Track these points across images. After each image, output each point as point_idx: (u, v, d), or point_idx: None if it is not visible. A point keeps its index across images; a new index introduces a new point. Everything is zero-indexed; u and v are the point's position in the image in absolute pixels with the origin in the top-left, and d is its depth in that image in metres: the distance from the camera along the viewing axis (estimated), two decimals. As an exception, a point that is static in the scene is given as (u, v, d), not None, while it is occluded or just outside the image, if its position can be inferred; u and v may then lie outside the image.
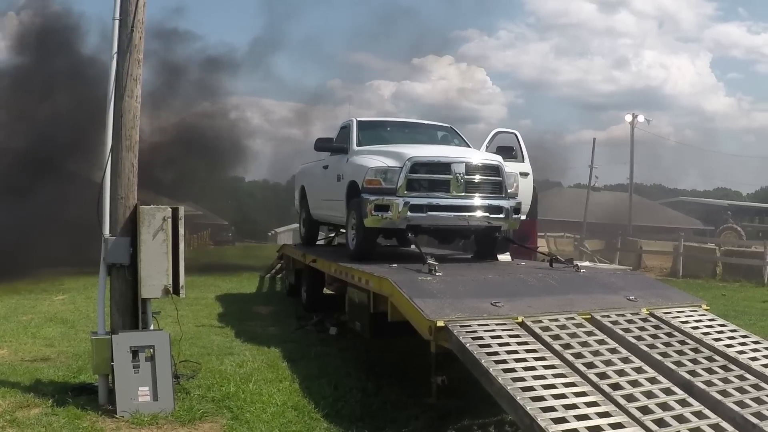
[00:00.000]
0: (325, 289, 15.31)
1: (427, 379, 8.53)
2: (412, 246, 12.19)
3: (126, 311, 8.85)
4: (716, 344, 8.26)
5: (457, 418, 8.14)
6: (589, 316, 8.62)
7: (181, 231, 8.83)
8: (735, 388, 7.17)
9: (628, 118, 60.15)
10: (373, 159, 11.70)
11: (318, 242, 17.75)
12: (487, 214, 11.43)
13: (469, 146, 13.58)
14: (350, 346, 11.92)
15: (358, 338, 11.73)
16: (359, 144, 12.98)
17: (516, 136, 15.36)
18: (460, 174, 11.22)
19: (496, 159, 11.97)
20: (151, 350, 8.44)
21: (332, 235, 18.48)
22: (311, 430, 7.83)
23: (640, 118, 60.65)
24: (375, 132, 13.73)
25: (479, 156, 12.05)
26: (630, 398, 6.70)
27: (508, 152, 13.78)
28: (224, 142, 52.78)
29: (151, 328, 8.91)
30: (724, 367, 7.66)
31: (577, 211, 61.59)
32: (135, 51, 8.86)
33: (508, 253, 14.09)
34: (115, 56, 8.82)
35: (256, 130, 55.66)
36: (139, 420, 7.94)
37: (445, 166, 11.30)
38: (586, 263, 15.78)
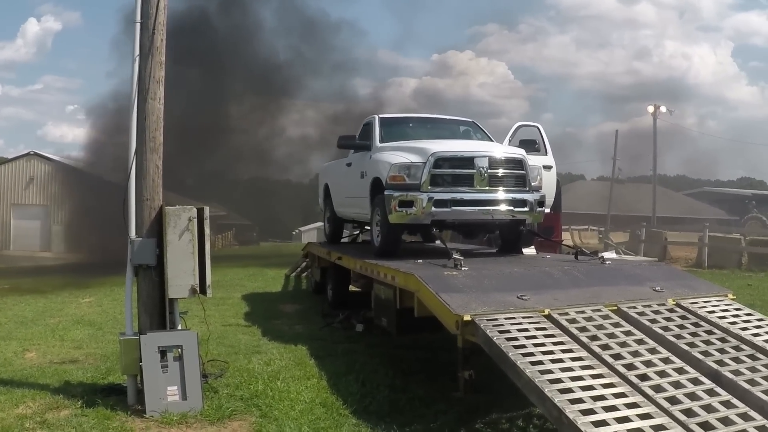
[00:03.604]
0: (350, 286, 15.29)
1: (454, 374, 8.54)
2: (437, 241, 12.18)
3: (153, 312, 8.90)
4: (743, 333, 8.25)
5: (485, 412, 8.15)
6: (616, 308, 8.62)
7: (207, 231, 8.87)
8: (763, 377, 7.16)
9: (650, 109, 59.97)
10: (396, 155, 11.68)
11: (342, 240, 17.76)
12: (511, 208, 11.39)
13: (491, 140, 13.53)
14: (377, 343, 11.91)
15: (385, 335, 11.72)
16: (382, 140, 12.95)
17: (538, 129, 15.35)
18: (483, 168, 11.19)
19: (519, 152, 11.94)
20: (179, 350, 8.49)
21: (357, 232, 18.49)
22: (339, 427, 7.84)
23: (662, 109, 60.45)
24: (397, 128, 13.71)
25: (502, 150, 12.02)
26: (658, 389, 6.70)
27: (531, 145, 13.76)
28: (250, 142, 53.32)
29: (179, 328, 8.96)
30: (751, 356, 7.65)
31: (601, 204, 61.52)
32: (157, 53, 8.90)
33: (532, 247, 14.09)
34: (138, 59, 8.88)
35: (279, 130, 55.87)
36: (168, 419, 8.00)
37: (468, 161, 11.28)
38: (612, 255, 15.73)
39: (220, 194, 63.16)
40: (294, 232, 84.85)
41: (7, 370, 10.34)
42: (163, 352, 8.43)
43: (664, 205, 65.43)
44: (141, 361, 8.41)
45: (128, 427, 7.85)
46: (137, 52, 8.88)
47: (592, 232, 48.57)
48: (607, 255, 12.23)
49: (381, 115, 14.03)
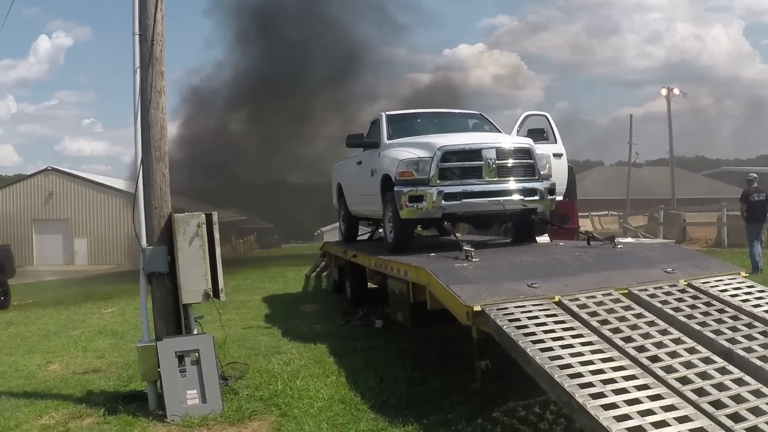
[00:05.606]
0: (368, 283, 15.37)
1: (471, 365, 8.61)
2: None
3: (168, 318, 9.02)
4: (755, 311, 8.23)
5: (502, 401, 8.20)
6: (627, 291, 8.63)
7: (216, 235, 8.97)
8: (776, 353, 7.15)
9: (664, 92, 59.86)
10: (404, 151, 11.73)
11: (359, 237, 17.80)
12: (521, 197, 11.38)
13: (499, 132, 13.53)
14: (395, 338, 11.99)
15: (403, 329, 11.79)
16: (390, 137, 12.98)
17: (547, 117, 15.31)
18: (491, 159, 11.20)
19: (526, 142, 11.95)
20: (197, 354, 8.60)
21: (372, 229, 18.54)
22: (358, 422, 7.91)
23: (676, 91, 60.34)
24: (405, 124, 13.73)
25: (509, 140, 12.01)
26: (669, 369, 6.71)
27: (540, 134, 13.74)
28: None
29: (195, 332, 9.06)
30: (763, 333, 7.63)
31: (620, 189, 61.41)
32: (157, 64, 9.00)
33: (546, 235, 14.08)
34: (138, 70, 8.98)
35: (295, 133, 55.96)
36: (189, 422, 8.10)
37: (475, 153, 11.29)
38: (628, 239, 15.71)
39: (239, 199, 63.41)
40: (316, 233, 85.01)
41: (30, 383, 10.48)
42: (180, 357, 8.54)
43: (683, 187, 65.23)
44: (159, 367, 8.52)
45: (150, 431, 7.98)
46: (137, 63, 8.98)
47: (612, 218, 48.51)
48: (622, 239, 12.24)
49: (388, 113, 14.08)
